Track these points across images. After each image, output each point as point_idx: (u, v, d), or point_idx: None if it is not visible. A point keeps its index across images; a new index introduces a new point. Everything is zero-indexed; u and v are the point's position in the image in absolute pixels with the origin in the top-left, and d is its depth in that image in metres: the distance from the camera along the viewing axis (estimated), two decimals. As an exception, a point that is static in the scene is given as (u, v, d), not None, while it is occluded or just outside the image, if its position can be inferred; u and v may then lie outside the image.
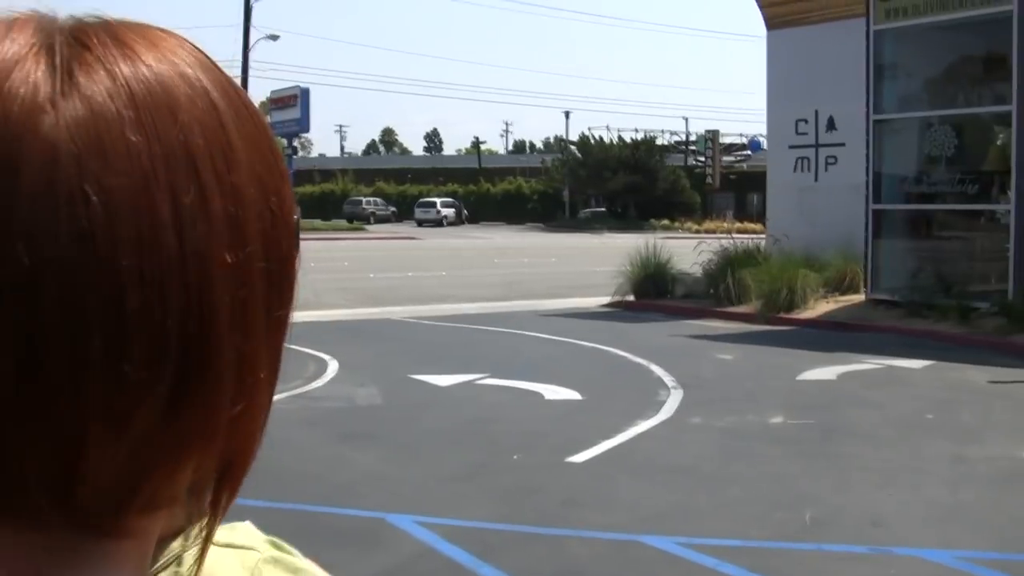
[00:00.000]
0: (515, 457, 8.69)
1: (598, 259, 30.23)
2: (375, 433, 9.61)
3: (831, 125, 22.07)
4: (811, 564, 6.18)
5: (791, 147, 22.87)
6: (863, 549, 6.38)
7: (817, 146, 22.43)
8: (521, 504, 7.35)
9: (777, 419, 10.17)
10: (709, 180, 74.56)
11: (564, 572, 6.04)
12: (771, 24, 23.21)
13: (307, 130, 68.23)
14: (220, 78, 0.66)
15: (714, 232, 34.16)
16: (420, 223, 77.41)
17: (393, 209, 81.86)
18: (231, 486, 0.72)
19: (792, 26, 22.45)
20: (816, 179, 22.44)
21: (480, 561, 6.11)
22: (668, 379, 12.22)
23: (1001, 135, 17.58)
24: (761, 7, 23.41)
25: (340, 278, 28.19)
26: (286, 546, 0.87)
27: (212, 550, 0.77)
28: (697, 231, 56.59)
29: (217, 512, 0.72)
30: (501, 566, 6.03)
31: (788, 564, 6.13)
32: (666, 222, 70.77)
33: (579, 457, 8.63)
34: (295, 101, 63.59)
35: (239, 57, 58.58)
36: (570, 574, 6.02)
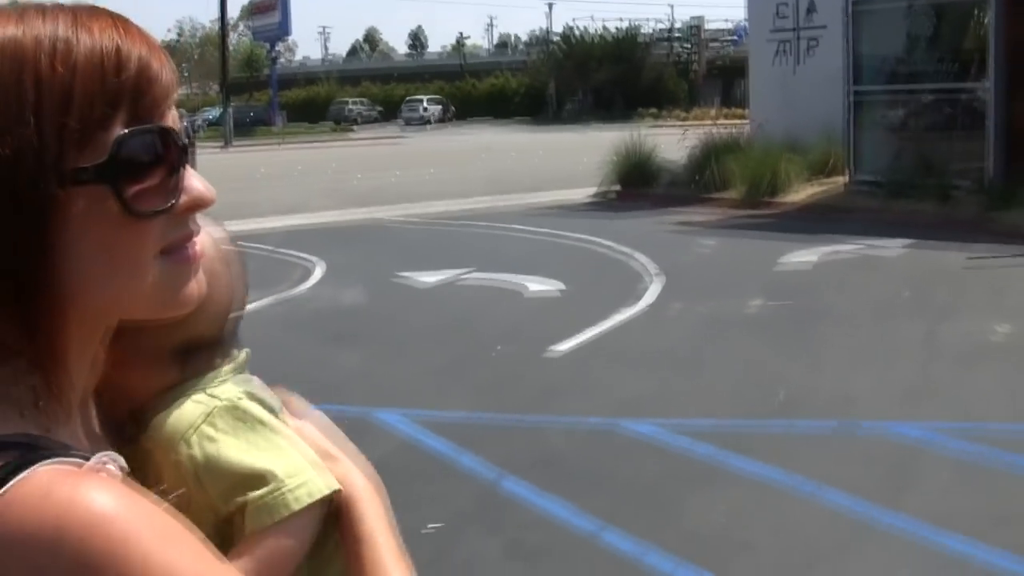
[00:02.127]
0: (497, 348, 8.86)
1: (583, 154, 30.12)
2: (360, 333, 9.77)
3: (812, 8, 21.93)
4: (781, 441, 6.36)
5: (772, 30, 22.74)
6: (832, 423, 6.57)
7: (798, 30, 22.30)
8: (501, 395, 7.53)
9: (755, 304, 10.33)
10: (695, 69, 74.11)
11: (542, 459, 6.22)
12: (749, -93, 22.97)
13: (288, 34, 67.73)
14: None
15: (702, 121, 34.12)
16: (407, 122, 77.04)
17: (380, 109, 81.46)
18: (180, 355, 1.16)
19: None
20: (798, 64, 22.36)
21: (461, 450, 6.30)
22: (651, 268, 12.36)
23: (980, 14, 17.52)
24: None
25: (326, 181, 28.24)
26: (256, 402, 1.16)
27: (194, 397, 1.14)
28: (684, 120, 56.40)
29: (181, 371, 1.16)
30: (481, 455, 6.22)
31: (759, 442, 6.32)
32: (653, 111, 70.44)
33: (559, 348, 8.80)
34: (274, 6, 62.93)
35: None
36: (548, 460, 6.20)
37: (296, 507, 1.10)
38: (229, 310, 1.20)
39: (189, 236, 1.01)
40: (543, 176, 26.59)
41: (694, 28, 74.95)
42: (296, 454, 1.13)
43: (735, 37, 75.09)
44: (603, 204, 20.33)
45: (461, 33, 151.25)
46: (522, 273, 12.26)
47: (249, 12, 73.93)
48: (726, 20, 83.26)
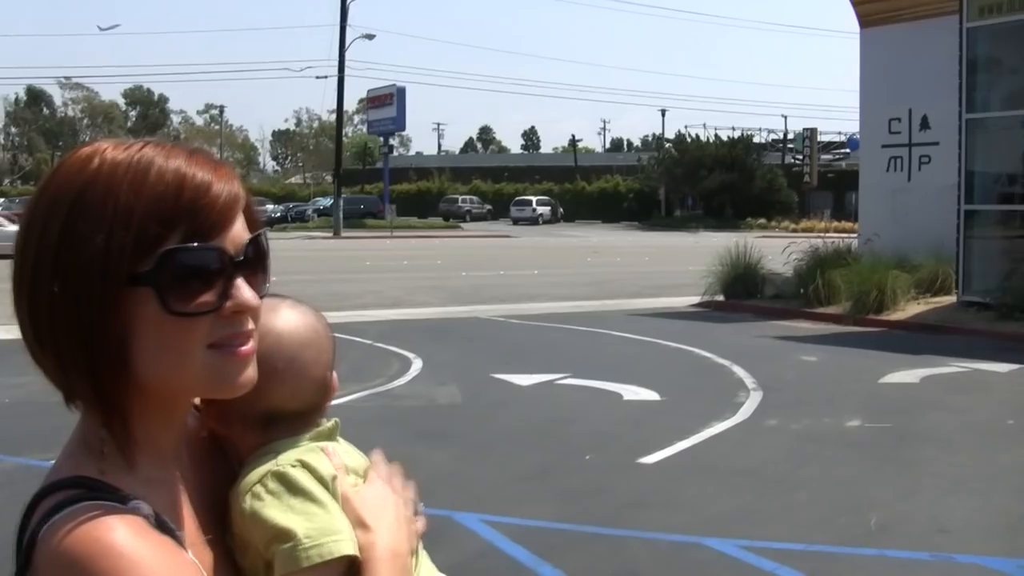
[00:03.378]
0: (587, 458, 8.78)
1: (691, 258, 30.11)
2: (451, 432, 9.76)
3: (924, 124, 21.76)
4: (871, 570, 6.18)
5: (884, 146, 22.59)
6: (925, 556, 6.36)
7: (910, 145, 22.13)
8: (587, 504, 7.43)
9: (854, 423, 10.12)
10: (807, 179, 73.77)
11: (622, 572, 6.11)
12: (864, 22, 22.95)
13: (403, 128, 69.01)
14: None
15: (811, 232, 33.84)
16: (515, 221, 77.72)
17: (489, 207, 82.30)
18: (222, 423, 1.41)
19: (885, 24, 22.17)
20: (909, 179, 22.13)
21: (540, 560, 6.22)
22: (749, 380, 12.22)
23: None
24: (854, 5, 23.16)
25: (432, 276, 28.49)
26: (308, 470, 1.36)
27: (265, 459, 1.38)
28: (794, 230, 56.07)
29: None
30: (560, 565, 6.13)
31: (848, 569, 6.15)
32: (762, 221, 70.19)
33: (650, 458, 8.70)
34: (391, 100, 64.23)
35: (335, 57, 59.10)
36: (629, 574, 6.09)
37: (307, 564, 1.30)
38: (304, 389, 1.42)
39: (238, 334, 1.24)
40: (648, 281, 26.57)
41: (807, 138, 74.73)
42: (326, 519, 1.34)
43: (847, 149, 74.76)
44: (706, 313, 20.21)
45: (574, 135, 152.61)
46: (619, 379, 12.20)
47: (366, 104, 75.52)
48: (839, 133, 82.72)
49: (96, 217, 1.16)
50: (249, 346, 1.25)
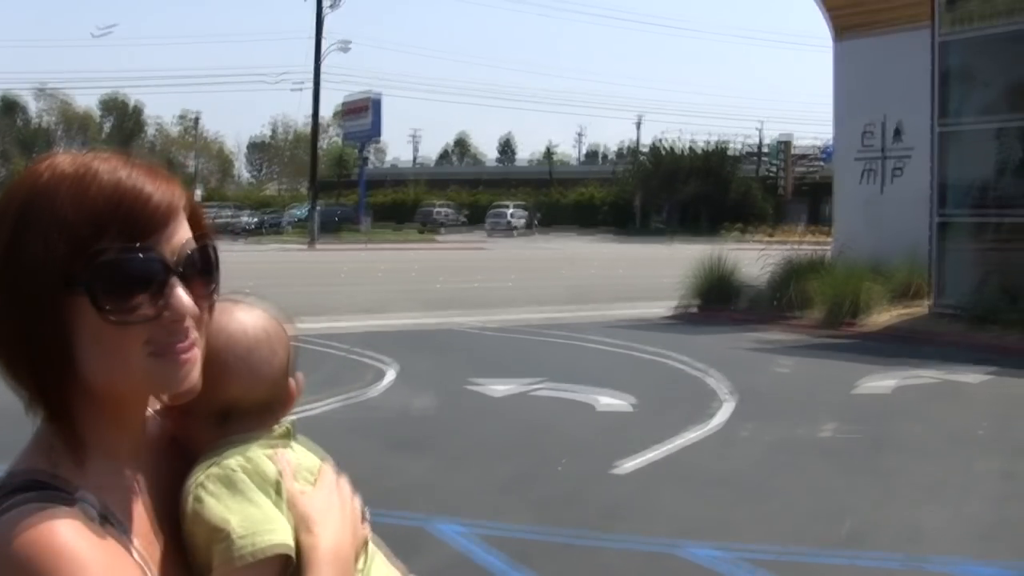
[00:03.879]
0: (560, 466, 8.79)
1: (667, 268, 30.10)
2: (426, 441, 9.74)
3: (898, 135, 21.90)
4: (844, 575, 6.21)
5: (858, 157, 22.73)
6: (896, 563, 6.39)
7: (884, 156, 22.27)
8: (561, 513, 7.44)
9: (827, 431, 10.16)
10: (780, 191, 74.04)
11: (597, 581, 6.12)
12: (838, 33, 23.09)
13: (379, 136, 69.05)
14: None
15: (787, 241, 33.85)
16: (493, 228, 77.75)
17: (466, 214, 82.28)
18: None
19: (859, 35, 22.32)
20: (882, 189, 22.27)
21: (514, 568, 6.22)
22: (723, 389, 12.24)
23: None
24: (828, 17, 23.30)
25: (407, 286, 28.46)
26: (249, 471, 1.38)
27: (210, 459, 1.40)
28: (769, 240, 56.22)
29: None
30: (535, 572, 6.13)
31: (821, 574, 6.16)
32: (738, 231, 70.34)
33: (625, 467, 8.70)
34: (367, 108, 64.28)
35: (312, 66, 59.10)
36: (603, 583, 6.10)
37: (240, 563, 1.32)
38: (255, 386, 1.45)
39: (178, 340, 1.26)
40: (623, 289, 26.64)
41: (782, 146, 75.02)
42: (260, 516, 1.35)
43: (823, 156, 75.09)
44: (681, 320, 20.26)
45: (551, 141, 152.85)
46: (594, 386, 12.21)
47: (342, 114, 75.50)
48: (815, 137, 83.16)
49: (38, 225, 1.21)
50: (191, 353, 1.28)
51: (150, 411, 1.41)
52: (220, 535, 1.33)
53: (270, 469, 1.41)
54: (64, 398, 1.24)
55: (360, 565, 1.48)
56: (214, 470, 1.39)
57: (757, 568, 6.21)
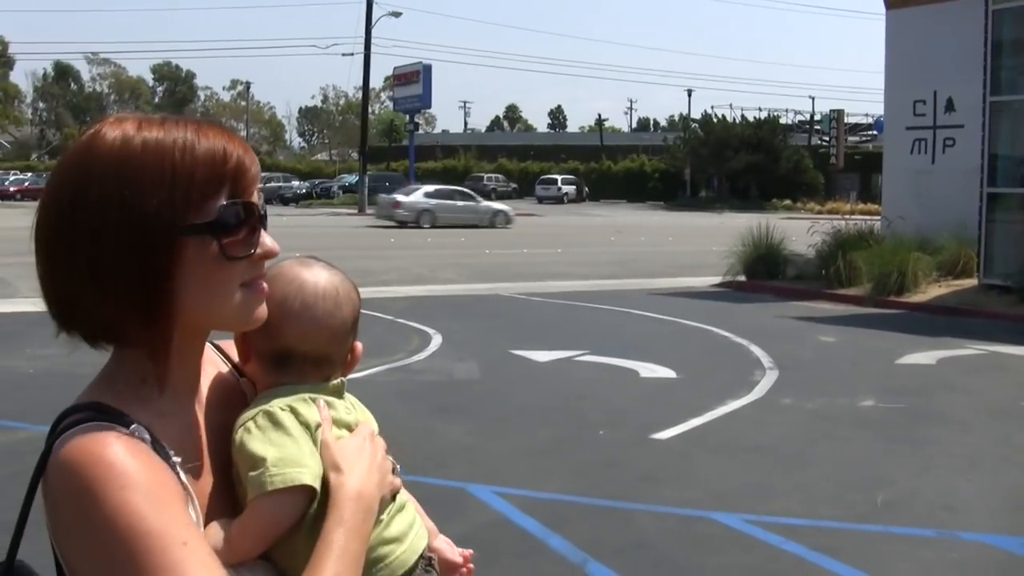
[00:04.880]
0: (600, 433, 8.88)
1: (715, 239, 30.09)
2: (468, 407, 9.86)
3: (949, 106, 21.70)
4: (876, 545, 6.26)
5: (908, 128, 22.54)
6: (930, 532, 6.44)
7: (935, 128, 22.07)
8: (598, 478, 7.53)
9: (868, 402, 10.19)
10: (833, 160, 73.41)
11: (631, 545, 6.21)
12: (890, 3, 22.88)
13: (429, 106, 68.74)
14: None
15: (836, 213, 33.63)
16: (541, 200, 77.69)
17: (514, 186, 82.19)
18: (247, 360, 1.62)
19: (911, 5, 22.10)
20: (933, 161, 22.10)
21: (550, 532, 6.32)
22: (766, 360, 12.29)
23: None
24: (880, -14, 23.08)
25: (455, 254, 28.58)
26: (294, 415, 1.54)
27: (264, 399, 1.56)
28: (819, 212, 55.89)
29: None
30: (570, 537, 6.23)
31: (852, 544, 6.22)
32: (788, 202, 69.96)
33: (663, 434, 8.79)
34: (417, 77, 64.09)
35: (362, 34, 59.14)
36: (636, 547, 6.19)
37: (270, 488, 1.45)
38: (315, 334, 1.60)
39: (261, 276, 1.48)
40: (671, 261, 26.64)
41: (834, 119, 74.32)
42: (296, 453, 1.50)
43: (874, 131, 74.36)
44: (727, 292, 20.27)
45: (600, 114, 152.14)
46: (637, 357, 12.29)
47: (392, 82, 75.48)
48: (866, 115, 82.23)
49: (153, 181, 1.37)
50: (266, 286, 1.50)
51: (223, 363, 1.65)
52: (257, 464, 1.47)
53: (313, 415, 1.55)
54: (170, 333, 1.41)
55: (383, 516, 1.59)
56: (264, 407, 1.53)
57: (788, 537, 6.28)
